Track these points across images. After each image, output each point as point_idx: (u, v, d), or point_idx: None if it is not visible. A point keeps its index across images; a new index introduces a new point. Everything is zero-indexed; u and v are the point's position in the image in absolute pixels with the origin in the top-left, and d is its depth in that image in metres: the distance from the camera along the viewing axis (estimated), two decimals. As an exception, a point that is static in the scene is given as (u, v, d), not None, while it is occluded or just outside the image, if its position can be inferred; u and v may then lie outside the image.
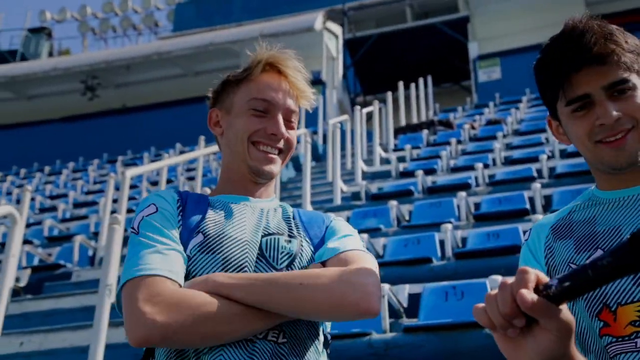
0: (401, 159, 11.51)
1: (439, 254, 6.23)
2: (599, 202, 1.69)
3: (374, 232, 7.10)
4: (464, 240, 6.38)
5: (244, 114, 1.89)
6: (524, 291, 0.95)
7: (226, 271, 1.70)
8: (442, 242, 6.30)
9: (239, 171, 1.92)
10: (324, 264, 1.75)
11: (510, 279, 0.98)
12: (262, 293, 1.61)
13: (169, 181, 11.03)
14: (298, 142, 12.57)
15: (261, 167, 1.87)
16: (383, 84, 17.27)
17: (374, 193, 9.07)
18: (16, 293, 7.21)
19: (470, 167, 9.51)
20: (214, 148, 9.98)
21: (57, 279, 7.93)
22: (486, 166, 9.56)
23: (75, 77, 21.60)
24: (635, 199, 1.63)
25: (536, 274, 0.98)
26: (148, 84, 21.35)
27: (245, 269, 1.71)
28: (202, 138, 11.90)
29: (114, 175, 6.56)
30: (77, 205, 12.72)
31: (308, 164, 8.87)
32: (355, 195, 9.38)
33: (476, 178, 8.98)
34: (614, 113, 1.58)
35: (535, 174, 8.75)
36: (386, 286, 4.76)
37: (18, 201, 13.28)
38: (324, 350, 1.81)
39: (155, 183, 10.48)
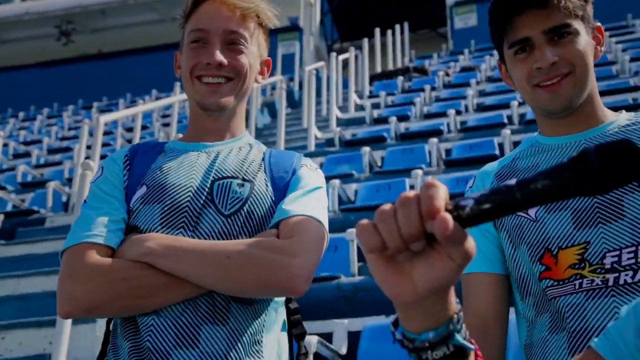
0: (376, 106, 11.51)
1: (411, 200, 6.19)
2: (542, 149, 1.73)
3: (346, 178, 7.13)
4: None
5: (186, 50, 1.86)
6: (443, 213, 0.78)
7: (169, 222, 1.70)
8: (412, 187, 6.26)
9: (195, 112, 1.91)
10: (276, 226, 1.70)
11: (413, 193, 0.81)
12: (188, 265, 1.60)
13: (144, 127, 10.98)
14: (274, 88, 12.70)
15: (205, 100, 1.82)
16: (360, 30, 17.20)
17: (347, 139, 9.09)
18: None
19: (443, 114, 9.53)
20: (180, 97, 9.99)
21: (31, 225, 7.93)
22: (458, 113, 9.58)
23: (50, 22, 21.32)
24: (577, 144, 1.66)
25: (446, 189, 0.81)
26: (124, 29, 21.13)
27: (188, 216, 1.70)
28: (177, 84, 11.85)
29: (88, 121, 6.53)
30: (51, 151, 12.65)
31: (283, 110, 8.89)
32: (330, 142, 9.41)
33: (448, 124, 9.01)
34: (550, 57, 1.61)
35: (505, 120, 8.75)
36: (354, 232, 4.67)
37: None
38: (280, 302, 1.80)
39: (130, 129, 10.43)
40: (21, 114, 18.12)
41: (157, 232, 1.69)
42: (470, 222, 0.81)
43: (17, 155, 12.86)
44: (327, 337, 3.89)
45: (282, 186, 1.80)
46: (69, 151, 11.67)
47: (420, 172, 6.38)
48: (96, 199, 1.76)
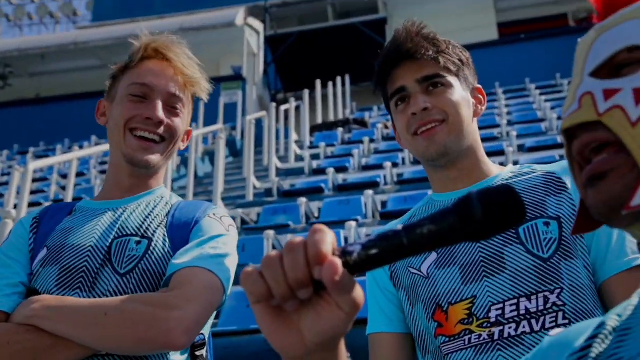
0: (315, 157, 11.59)
1: (344, 252, 6.22)
2: (435, 205, 1.76)
3: (282, 229, 7.13)
4: (368, 237, 6.45)
5: (123, 101, 1.83)
6: (332, 259, 0.73)
7: (65, 283, 1.67)
8: (346, 239, 6.35)
9: (118, 164, 1.86)
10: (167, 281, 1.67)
11: (299, 238, 0.77)
12: (68, 325, 1.55)
13: (80, 174, 10.86)
14: (214, 136, 12.70)
15: (136, 155, 1.80)
16: (304, 81, 17.32)
17: (285, 190, 9.12)
18: None
19: (380, 166, 9.61)
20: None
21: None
22: (395, 165, 9.68)
23: (-12, 66, 21.10)
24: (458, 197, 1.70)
25: (332, 235, 0.77)
26: (64, 74, 20.99)
27: (83, 276, 1.68)
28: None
29: (19, 167, 6.42)
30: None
31: (222, 159, 8.85)
32: (268, 192, 9.44)
33: (385, 177, 9.07)
34: (422, 103, 1.65)
35: None
36: None
37: None
38: (184, 354, 1.75)
39: (65, 176, 10.31)
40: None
41: (53, 294, 1.66)
42: (358, 268, 0.78)
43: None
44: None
45: (182, 240, 1.76)
46: (1, 197, 11.41)
47: (354, 223, 6.44)
48: (2, 255, 1.76)
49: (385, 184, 8.90)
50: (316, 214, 7.97)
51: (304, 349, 0.81)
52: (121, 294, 1.66)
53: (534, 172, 1.73)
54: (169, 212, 1.84)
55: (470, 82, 1.78)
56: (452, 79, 1.71)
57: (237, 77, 18.74)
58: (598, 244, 1.57)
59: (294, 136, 13.01)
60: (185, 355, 1.75)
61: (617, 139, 0.80)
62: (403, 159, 10.28)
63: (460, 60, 1.75)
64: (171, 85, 1.85)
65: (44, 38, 23.20)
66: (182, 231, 1.79)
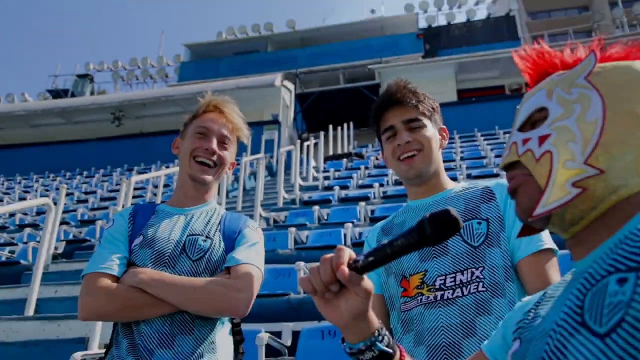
0: (326, 178, 11.60)
1: (343, 242, 6.27)
2: (409, 210, 1.75)
3: (301, 227, 7.14)
4: (360, 234, 6.45)
5: (191, 137, 1.88)
6: (343, 266, 0.86)
7: (157, 261, 1.73)
8: (345, 235, 6.35)
9: (184, 181, 1.90)
10: (227, 269, 1.74)
11: (329, 255, 0.89)
12: (167, 292, 1.63)
13: (166, 185, 10.96)
14: (257, 162, 12.75)
15: (197, 174, 1.85)
16: (321, 125, 17.28)
17: (305, 200, 9.11)
18: (55, 257, 7.21)
19: (371, 185, 9.54)
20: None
21: (84, 249, 7.87)
22: (381, 185, 9.63)
23: (107, 110, 21.27)
24: (428, 204, 1.70)
25: (349, 251, 0.89)
26: (158, 117, 20.93)
27: (169, 259, 1.74)
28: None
29: (126, 180, 6.61)
30: (103, 199, 12.53)
31: (261, 178, 8.89)
32: (293, 201, 9.44)
33: (374, 193, 9.02)
34: (406, 137, 1.67)
35: None
36: (302, 264, 4.84)
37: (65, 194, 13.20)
38: (228, 318, 1.81)
39: (156, 186, 10.42)
40: (85, 173, 17.99)
41: (148, 267, 1.71)
42: (363, 270, 0.87)
43: (79, 201, 12.76)
44: (278, 334, 3.93)
45: (232, 241, 1.82)
46: (114, 200, 11.59)
47: (350, 225, 6.43)
48: (108, 241, 1.78)
49: (374, 197, 8.86)
50: (325, 218, 7.97)
51: (343, 321, 0.91)
52: (192, 273, 1.73)
53: (475, 187, 1.73)
54: (220, 220, 1.88)
55: (438, 123, 1.78)
56: (426, 121, 1.72)
57: (275, 122, 18.74)
58: (514, 234, 1.58)
59: (312, 163, 13.06)
60: (229, 320, 1.83)
61: (529, 171, 0.84)
62: (387, 181, 10.21)
63: (432, 107, 1.76)
64: (223, 129, 1.90)
65: (145, 92, 23.49)
66: (231, 235, 1.84)
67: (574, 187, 0.78)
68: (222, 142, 1.90)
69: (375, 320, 0.95)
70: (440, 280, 1.55)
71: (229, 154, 1.92)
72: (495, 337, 0.99)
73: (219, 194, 10.40)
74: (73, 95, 26.36)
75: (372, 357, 0.93)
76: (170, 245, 1.76)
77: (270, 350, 3.76)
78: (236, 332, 1.82)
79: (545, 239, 1.56)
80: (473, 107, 18.45)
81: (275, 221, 7.81)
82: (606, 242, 0.75)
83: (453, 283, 1.53)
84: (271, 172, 14.04)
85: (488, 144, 13.54)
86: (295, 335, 3.88)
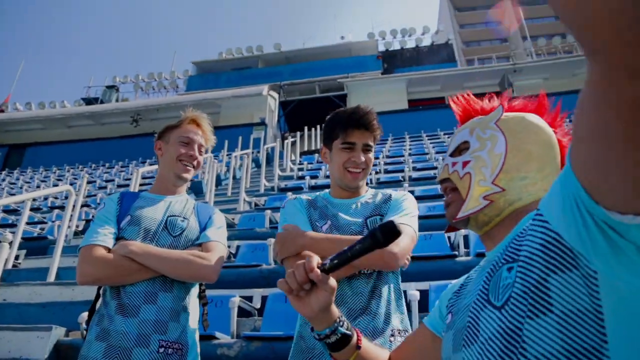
0: (301, 169, 11.42)
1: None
2: (330, 203, 1.69)
3: (276, 209, 6.92)
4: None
5: (175, 144, 1.88)
6: (314, 269, 0.89)
7: (143, 237, 1.71)
8: (311, 216, 6.22)
9: (168, 176, 1.89)
10: (200, 244, 1.75)
11: (302, 262, 0.91)
12: (152, 261, 1.63)
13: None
14: (241, 159, 12.65)
15: (182, 174, 1.87)
16: (299, 127, 17.22)
17: (281, 187, 8.97)
18: (76, 234, 6.95)
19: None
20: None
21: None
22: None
23: (128, 114, 20.95)
24: (348, 204, 1.66)
25: (317, 257, 0.91)
26: (169, 119, 20.11)
27: (153, 235, 1.73)
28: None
29: (137, 170, 6.50)
30: (119, 186, 12.24)
31: (248, 169, 8.80)
32: (272, 188, 9.27)
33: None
34: (362, 158, 1.64)
35: (400, 179, 8.65)
36: (272, 240, 4.62)
37: (88, 182, 12.87)
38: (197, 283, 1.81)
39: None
40: (107, 165, 17.60)
41: (136, 241, 1.70)
42: (330, 271, 0.89)
43: (100, 187, 12.42)
44: (250, 299, 3.84)
45: (204, 224, 1.83)
46: (128, 187, 11.23)
47: (316, 207, 6.29)
48: (100, 220, 1.75)
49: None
50: (298, 201, 7.78)
51: (314, 313, 0.93)
52: (173, 247, 1.72)
53: (377, 195, 1.71)
54: (194, 207, 1.88)
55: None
56: (373, 147, 1.70)
57: (262, 123, 18.59)
58: (387, 209, 1.63)
59: (291, 157, 12.94)
60: (198, 284, 1.82)
61: (455, 185, 0.95)
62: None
63: (379, 137, 1.74)
64: (200, 139, 1.93)
65: (159, 100, 22.94)
66: (203, 219, 1.85)
67: (484, 200, 0.89)
68: (199, 150, 1.93)
69: (336, 311, 0.97)
70: None
71: (202, 158, 1.96)
72: (433, 312, 1.03)
73: (215, 184, 10.23)
74: (102, 102, 25.83)
75: (336, 339, 0.97)
76: (154, 223, 1.75)
77: (243, 311, 3.65)
78: (202, 296, 1.82)
79: (407, 221, 1.56)
80: (420, 114, 18.49)
81: (256, 205, 7.64)
82: (503, 241, 0.84)
83: None
84: (258, 164, 13.79)
85: (431, 143, 13.53)
86: (265, 299, 3.77)
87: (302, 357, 1.48)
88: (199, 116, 1.96)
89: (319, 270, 0.88)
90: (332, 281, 0.92)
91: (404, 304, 1.58)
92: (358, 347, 0.99)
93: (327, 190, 1.78)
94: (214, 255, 1.69)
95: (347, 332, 0.98)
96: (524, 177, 0.89)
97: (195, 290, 1.77)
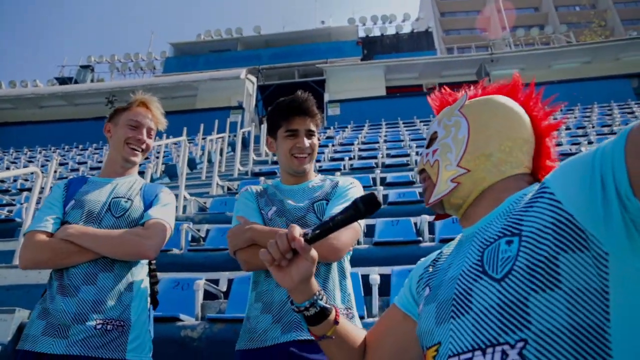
0: (274, 154, 11.33)
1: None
2: (280, 189, 1.74)
3: None
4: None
5: (124, 127, 1.87)
6: (297, 237, 0.89)
7: (86, 219, 1.71)
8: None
9: (116, 159, 1.89)
10: (142, 223, 1.73)
11: (284, 231, 0.91)
12: (89, 242, 1.63)
13: (146, 158, 10.54)
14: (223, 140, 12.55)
15: (129, 157, 1.86)
16: (277, 112, 17.09)
17: (255, 172, 8.91)
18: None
19: None
20: (173, 140, 9.71)
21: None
22: (318, 161, 9.52)
23: (103, 95, 20.47)
24: (296, 189, 1.71)
25: (299, 228, 0.90)
26: None
27: (96, 217, 1.72)
28: (164, 135, 11.48)
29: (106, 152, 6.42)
30: (92, 169, 11.97)
31: (224, 153, 8.73)
32: (246, 172, 9.20)
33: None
34: (306, 144, 1.68)
35: (373, 165, 8.76)
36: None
37: (61, 164, 12.62)
38: (146, 263, 1.81)
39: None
40: (80, 146, 17.28)
41: (78, 224, 1.70)
42: (312, 241, 0.90)
43: (72, 170, 12.13)
44: (217, 282, 3.83)
45: (149, 202, 1.82)
46: (100, 169, 10.98)
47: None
48: (45, 206, 1.76)
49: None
50: (272, 186, 7.75)
51: (293, 284, 0.93)
52: (116, 227, 1.72)
53: (325, 181, 1.75)
54: (141, 187, 1.88)
55: (318, 134, 1.79)
56: (316, 132, 1.73)
57: (239, 107, 18.43)
58: (332, 195, 1.66)
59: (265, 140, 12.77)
60: (146, 264, 1.82)
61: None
62: (324, 158, 10.08)
63: (321, 121, 1.78)
64: (150, 122, 1.91)
65: (135, 81, 22.64)
66: (149, 198, 1.84)
67: (452, 182, 0.93)
68: (148, 133, 1.91)
69: (315, 285, 0.98)
70: None
71: (152, 141, 1.94)
72: (403, 292, 1.05)
73: (190, 168, 10.13)
74: (76, 82, 25.24)
75: (314, 312, 0.97)
76: (98, 206, 1.75)
77: (210, 294, 3.67)
78: (152, 275, 1.82)
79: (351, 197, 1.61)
80: (398, 101, 18.50)
81: (229, 189, 7.61)
82: (486, 217, 0.88)
83: None
84: (233, 147, 13.63)
85: (407, 130, 13.61)
86: (231, 282, 3.77)
87: (246, 336, 1.54)
88: (148, 99, 1.94)
89: (302, 240, 0.89)
90: (314, 252, 0.92)
91: (349, 283, 1.63)
92: (336, 322, 1.00)
93: (279, 179, 1.82)
94: (152, 232, 1.68)
95: (326, 305, 0.98)
96: (488, 155, 0.92)
97: (141, 269, 1.77)
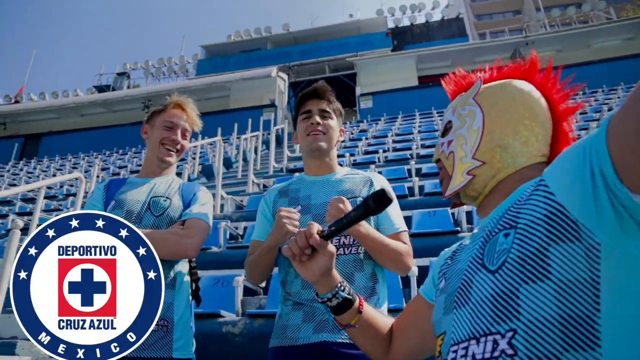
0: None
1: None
2: (304, 181, 1.75)
3: None
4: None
5: (160, 128, 1.91)
6: (314, 235, 0.93)
7: (127, 219, 1.67)
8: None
9: (153, 160, 1.92)
10: (183, 221, 1.76)
11: (303, 229, 0.95)
12: None
13: (182, 159, 10.81)
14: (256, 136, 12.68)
15: (164, 157, 1.90)
16: (309, 108, 17.16)
17: (290, 168, 8.98)
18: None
19: (343, 155, 9.30)
20: (209, 140, 9.87)
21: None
22: (352, 154, 9.52)
23: (139, 100, 20.98)
24: (322, 182, 1.71)
25: (317, 225, 0.95)
26: None
27: (137, 216, 1.75)
28: (200, 136, 11.68)
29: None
30: (132, 172, 12.41)
31: (258, 151, 8.83)
32: (281, 169, 9.28)
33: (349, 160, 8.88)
34: (317, 119, 1.71)
35: (408, 157, 8.66)
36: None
37: (103, 169, 13.05)
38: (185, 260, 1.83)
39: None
40: (120, 151, 17.82)
41: None
42: (328, 237, 0.94)
43: (113, 174, 12.58)
44: (255, 277, 3.87)
45: (188, 201, 1.84)
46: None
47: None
48: (88, 207, 1.80)
49: (348, 165, 8.66)
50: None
51: (315, 277, 0.97)
52: (156, 226, 1.74)
53: (357, 175, 1.74)
54: (179, 186, 1.89)
55: (340, 124, 1.79)
56: (333, 115, 1.74)
57: (272, 105, 18.60)
58: (378, 217, 1.64)
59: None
60: (187, 262, 1.83)
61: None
62: (358, 151, 10.05)
63: (340, 110, 1.78)
64: (184, 124, 1.94)
65: (169, 85, 23.02)
66: (187, 196, 1.86)
67: (468, 175, 0.92)
68: (183, 134, 1.94)
69: (337, 277, 1.01)
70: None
71: (187, 142, 1.96)
72: (427, 281, 1.06)
73: (226, 167, 10.28)
74: (113, 89, 25.97)
75: (337, 303, 1.01)
76: (138, 205, 1.78)
77: (249, 290, 3.72)
78: (193, 272, 1.84)
79: (399, 223, 1.64)
80: (430, 91, 18.26)
81: (265, 186, 7.69)
82: (497, 209, 0.86)
83: None
84: (267, 145, 13.76)
85: (441, 119, 13.30)
86: (269, 278, 3.76)
87: (278, 332, 1.58)
88: (184, 101, 1.97)
89: (318, 237, 0.93)
90: (331, 247, 0.96)
91: (385, 282, 1.64)
92: (360, 311, 1.03)
93: (302, 173, 1.83)
94: (194, 231, 1.70)
95: (348, 296, 1.01)
96: (504, 147, 0.90)
97: (183, 267, 1.79)
